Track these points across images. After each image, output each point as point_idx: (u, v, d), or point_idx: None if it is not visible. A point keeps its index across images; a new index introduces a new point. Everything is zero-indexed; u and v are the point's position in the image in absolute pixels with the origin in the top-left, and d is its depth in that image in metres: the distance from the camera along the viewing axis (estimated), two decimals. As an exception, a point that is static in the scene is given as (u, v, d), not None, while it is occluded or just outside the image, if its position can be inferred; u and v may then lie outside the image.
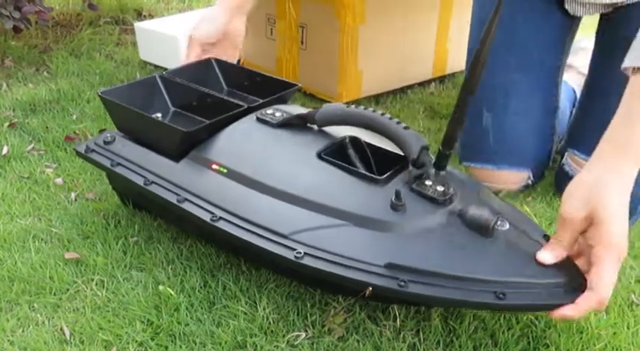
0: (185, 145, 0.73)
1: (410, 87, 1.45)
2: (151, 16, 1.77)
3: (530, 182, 0.97)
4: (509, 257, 0.60)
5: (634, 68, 0.63)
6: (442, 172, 0.65)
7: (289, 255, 0.61)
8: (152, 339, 0.64)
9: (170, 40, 1.35)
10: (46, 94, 1.22)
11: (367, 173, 0.67)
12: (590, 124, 0.94)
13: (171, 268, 0.74)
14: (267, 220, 0.64)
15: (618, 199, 0.57)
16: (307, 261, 0.60)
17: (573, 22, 0.99)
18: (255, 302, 0.68)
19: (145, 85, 0.85)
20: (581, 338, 0.66)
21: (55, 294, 0.70)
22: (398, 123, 0.67)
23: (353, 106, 0.71)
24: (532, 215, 0.89)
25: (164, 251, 0.77)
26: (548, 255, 0.59)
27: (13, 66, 1.39)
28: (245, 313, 0.67)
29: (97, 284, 0.71)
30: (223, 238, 0.67)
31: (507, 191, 0.97)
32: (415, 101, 1.37)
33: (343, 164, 0.68)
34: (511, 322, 0.67)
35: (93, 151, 0.78)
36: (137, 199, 0.84)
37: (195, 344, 0.63)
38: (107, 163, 0.76)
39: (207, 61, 0.91)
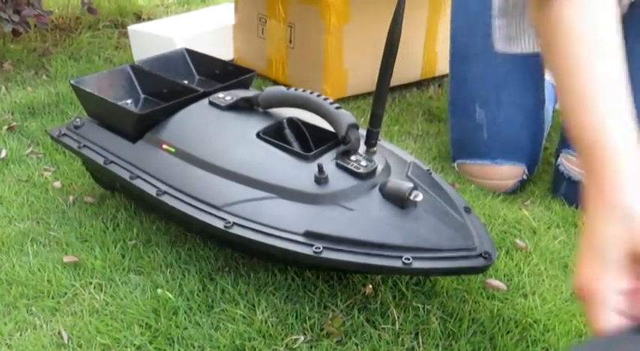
0: (141, 127, 0.79)
1: (409, 90, 1.45)
2: (150, 19, 1.77)
3: (525, 177, 0.97)
4: (419, 226, 0.64)
5: None
6: (372, 149, 0.71)
7: (220, 224, 0.65)
8: (150, 343, 0.63)
9: (165, 42, 1.35)
10: (45, 98, 1.22)
11: (297, 150, 0.72)
12: None
13: (170, 272, 0.74)
14: (204, 193, 0.69)
15: None
16: (235, 230, 0.65)
17: None
18: (254, 305, 0.68)
19: (117, 74, 0.92)
20: (580, 342, 0.66)
21: (53, 297, 0.70)
22: (331, 103, 0.72)
23: (292, 88, 0.76)
24: (531, 219, 0.89)
25: (162, 255, 0.77)
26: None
27: (12, 69, 1.39)
28: (243, 317, 0.67)
29: (95, 288, 0.71)
30: (167, 211, 0.72)
31: (505, 188, 0.98)
32: (414, 104, 1.37)
33: (277, 142, 0.73)
34: (510, 326, 0.67)
35: (64, 134, 0.85)
36: (104, 179, 0.89)
37: (194, 348, 0.63)
38: (75, 145, 0.82)
39: (179, 51, 0.98)
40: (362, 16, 1.28)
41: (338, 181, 0.67)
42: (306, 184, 0.67)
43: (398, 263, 0.61)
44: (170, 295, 0.69)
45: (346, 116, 0.71)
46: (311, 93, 0.74)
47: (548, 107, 1.10)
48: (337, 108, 0.72)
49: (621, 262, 0.39)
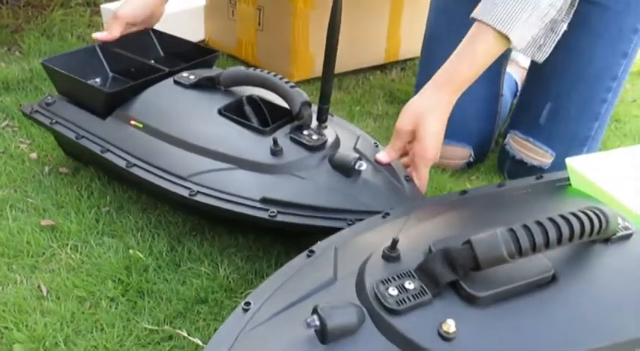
0: (110, 105, 0.85)
1: (372, 73, 1.52)
2: (123, -1, 1.80)
3: (471, 159, 1.06)
4: (361, 192, 0.73)
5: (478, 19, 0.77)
6: (323, 124, 0.80)
7: (185, 193, 0.73)
8: (123, 295, 0.70)
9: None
10: (19, 74, 1.26)
11: (255, 126, 0.80)
12: (528, 107, 1.04)
13: (141, 235, 0.81)
14: (170, 165, 0.76)
15: (436, 122, 0.77)
16: (199, 197, 0.72)
17: None
18: (217, 264, 0.76)
19: (86, 54, 0.97)
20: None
21: (32, 257, 0.76)
22: (286, 82, 0.81)
23: (251, 68, 0.85)
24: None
25: (134, 220, 0.84)
26: (383, 155, 0.78)
27: (-16, 45, 1.41)
28: (207, 274, 0.74)
29: (71, 248, 0.78)
30: (137, 182, 0.78)
31: (454, 167, 1.06)
32: (376, 86, 1.45)
33: (237, 118, 0.80)
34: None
35: (37, 111, 0.90)
36: (75, 153, 0.95)
37: (162, 300, 0.70)
38: (47, 122, 0.88)
39: (146, 31, 1.03)
40: (328, 2, 1.34)
41: (291, 153, 0.75)
42: (262, 156, 0.74)
43: (343, 224, 0.69)
44: (141, 255, 0.76)
45: (300, 94, 0.79)
46: (268, 73, 0.82)
47: (508, 100, 1.18)
48: (292, 87, 0.80)
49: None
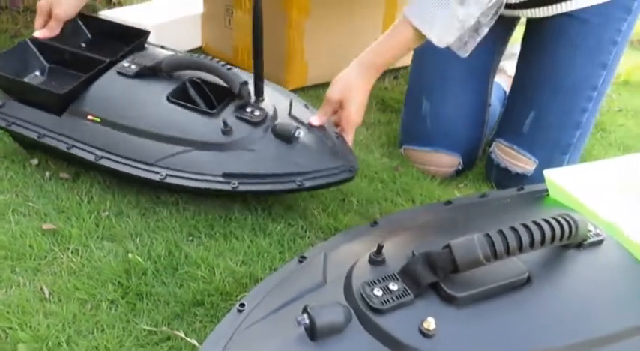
0: (62, 104, 0.91)
1: (365, 81, 1.55)
2: (121, 5, 1.83)
3: (460, 167, 1.09)
4: (303, 156, 0.85)
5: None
6: (260, 99, 0.91)
7: (156, 177, 0.83)
8: (122, 297, 0.73)
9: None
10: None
11: (204, 109, 0.90)
12: (512, 116, 1.08)
13: (140, 240, 0.84)
14: (136, 154, 0.85)
15: (360, 95, 0.89)
16: (169, 180, 0.82)
17: (508, 24, 1.11)
18: (213, 268, 0.79)
19: (20, 50, 1.00)
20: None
21: (34, 259, 0.79)
22: (223, 65, 0.91)
23: (189, 54, 0.97)
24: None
25: (133, 225, 0.86)
26: (315, 119, 0.90)
27: (-14, 50, 1.44)
28: (204, 277, 0.77)
29: (72, 252, 0.81)
30: (107, 171, 0.87)
31: (443, 175, 1.10)
32: (370, 95, 1.48)
33: (186, 104, 0.89)
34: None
35: None
36: (36, 146, 1.00)
37: (160, 302, 0.73)
38: (3, 124, 0.92)
39: (73, 19, 1.06)
40: (322, 11, 1.38)
41: (239, 130, 0.86)
42: (215, 137, 0.85)
43: (293, 185, 0.82)
44: (140, 259, 0.79)
45: (237, 75, 0.90)
46: (205, 57, 0.93)
47: (496, 109, 1.22)
48: (229, 68, 0.91)
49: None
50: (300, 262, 0.64)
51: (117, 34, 1.05)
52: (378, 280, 0.55)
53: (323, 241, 0.71)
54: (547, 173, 0.75)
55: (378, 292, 0.54)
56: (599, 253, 0.62)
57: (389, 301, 0.53)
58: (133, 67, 0.95)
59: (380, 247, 0.59)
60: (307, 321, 0.51)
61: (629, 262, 0.62)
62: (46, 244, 0.81)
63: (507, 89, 1.28)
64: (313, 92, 1.43)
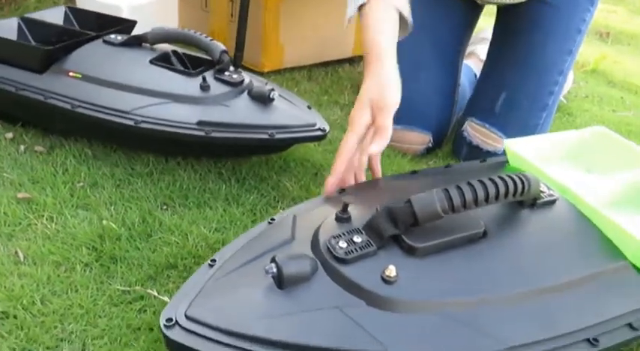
0: (46, 61, 0.96)
1: (341, 65, 1.58)
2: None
3: (430, 145, 1.13)
4: (277, 113, 0.91)
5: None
6: (238, 69, 0.97)
7: (131, 122, 0.87)
8: (96, 261, 0.75)
9: (112, 10, 1.43)
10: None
11: (184, 69, 0.96)
12: (485, 96, 1.12)
13: (114, 208, 0.85)
14: (113, 103, 0.89)
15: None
16: (143, 125, 0.86)
17: (476, 11, 1.15)
18: (187, 234, 0.81)
19: (7, 26, 1.06)
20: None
21: (9, 226, 0.80)
22: (206, 37, 0.98)
23: (173, 27, 1.05)
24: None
25: (107, 195, 0.88)
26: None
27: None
28: (177, 243, 0.79)
29: (47, 219, 0.82)
30: (83, 122, 0.91)
31: (413, 152, 1.13)
32: (344, 78, 1.51)
33: (167, 65, 0.96)
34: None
35: None
36: (13, 112, 1.03)
37: (134, 265, 0.75)
38: None
39: (60, 8, 1.14)
40: (298, -5, 1.40)
41: (217, 88, 0.91)
42: (194, 91, 0.90)
43: (265, 136, 0.87)
44: (114, 226, 0.80)
45: (218, 45, 0.97)
46: (189, 30, 1.00)
47: (466, 90, 1.25)
48: (211, 40, 0.98)
49: (368, 105, 0.76)
50: (270, 223, 0.66)
51: (105, 26, 1.08)
52: (343, 233, 0.58)
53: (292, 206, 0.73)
54: (507, 143, 0.80)
55: (342, 244, 0.57)
56: (552, 211, 0.66)
57: (353, 252, 0.56)
58: (120, 38, 1.01)
59: (345, 205, 0.62)
60: (275, 270, 0.54)
61: (580, 220, 0.66)
62: (20, 211, 0.82)
63: (478, 72, 1.32)
64: (289, 75, 1.45)
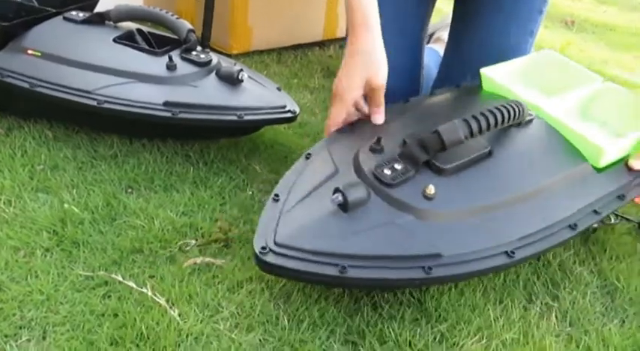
0: (2, 39, 0.92)
1: (311, 49, 1.56)
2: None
3: None
4: (246, 94, 0.90)
5: None
6: (206, 49, 0.95)
7: (93, 102, 0.84)
8: (57, 245, 0.72)
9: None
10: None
11: (149, 48, 0.93)
12: (450, 78, 1.12)
13: (76, 192, 0.82)
14: (74, 82, 0.86)
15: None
16: (107, 105, 0.84)
17: None
18: (153, 218, 0.78)
19: None
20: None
21: (-37, 210, 0.76)
22: (172, 15, 0.96)
23: (138, 5, 1.00)
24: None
25: (69, 178, 0.85)
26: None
27: None
28: (143, 226, 0.77)
29: (4, 203, 0.78)
30: (42, 101, 0.87)
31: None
32: (314, 62, 1.49)
33: (132, 43, 0.93)
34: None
35: None
36: None
37: (98, 250, 0.72)
38: None
39: None
40: (267, -23, 1.37)
41: (184, 68, 0.89)
42: (159, 71, 0.88)
43: (233, 117, 0.86)
44: (76, 209, 0.77)
45: (184, 24, 0.94)
46: (154, 8, 0.97)
47: (432, 71, 1.25)
48: (177, 18, 0.95)
49: (360, 85, 0.75)
50: (307, 158, 0.74)
51: (66, 2, 1.04)
52: (385, 163, 0.68)
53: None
54: (483, 71, 0.90)
55: (387, 171, 0.67)
56: (532, 128, 0.79)
57: (397, 178, 0.66)
58: (81, 14, 0.97)
59: (379, 139, 0.71)
60: (341, 198, 0.63)
61: (551, 133, 0.80)
62: (-25, 195, 0.79)
63: (444, 55, 1.32)
64: (258, 58, 1.43)
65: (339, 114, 0.78)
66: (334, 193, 0.63)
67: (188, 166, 0.90)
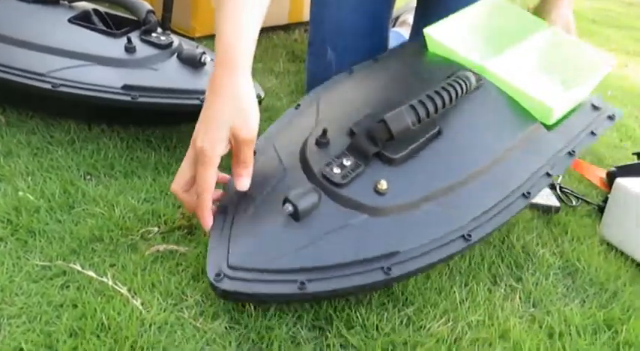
0: None
1: (275, 33, 1.54)
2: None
3: None
4: (207, 77, 0.86)
5: None
6: (167, 31, 0.93)
7: (48, 86, 0.80)
8: (12, 235, 0.69)
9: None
10: None
11: (107, 29, 0.90)
12: None
13: (31, 179, 0.79)
14: (27, 65, 0.82)
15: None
16: (63, 89, 0.80)
17: None
18: (113, 205, 0.76)
19: None
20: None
21: None
22: None
23: None
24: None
25: (24, 164, 0.81)
26: None
27: None
28: (103, 214, 0.74)
29: (-47, 191, 0.74)
30: None
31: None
32: (279, 46, 1.47)
33: (88, 24, 0.90)
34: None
35: None
36: None
37: (55, 239, 0.69)
38: None
39: None
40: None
41: (143, 50, 0.86)
42: (118, 53, 0.85)
43: (196, 102, 0.83)
44: (31, 197, 0.74)
45: (143, 4, 0.92)
46: None
47: None
48: None
49: (226, 137, 0.62)
50: (255, 153, 0.69)
51: None
52: (333, 160, 0.66)
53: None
54: (426, 31, 0.87)
55: (336, 170, 0.65)
56: (481, 94, 0.77)
57: (347, 175, 0.64)
58: None
59: (325, 131, 0.68)
60: (291, 209, 0.61)
61: (500, 96, 0.78)
62: None
63: (410, 39, 1.32)
64: (222, 41, 1.40)
65: (209, 176, 0.62)
66: (284, 203, 0.61)
67: (150, 152, 0.88)
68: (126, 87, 0.82)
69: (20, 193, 0.75)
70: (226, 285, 0.57)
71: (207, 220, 0.64)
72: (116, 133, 0.91)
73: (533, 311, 0.72)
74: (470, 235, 0.63)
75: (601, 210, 0.95)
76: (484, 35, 0.91)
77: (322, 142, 0.68)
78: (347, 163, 0.65)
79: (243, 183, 0.65)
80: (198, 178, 0.63)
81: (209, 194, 0.63)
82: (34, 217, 0.72)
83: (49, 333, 0.58)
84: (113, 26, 0.94)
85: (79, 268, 0.65)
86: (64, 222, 0.72)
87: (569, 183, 1.06)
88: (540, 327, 0.70)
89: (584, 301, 0.76)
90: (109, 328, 0.59)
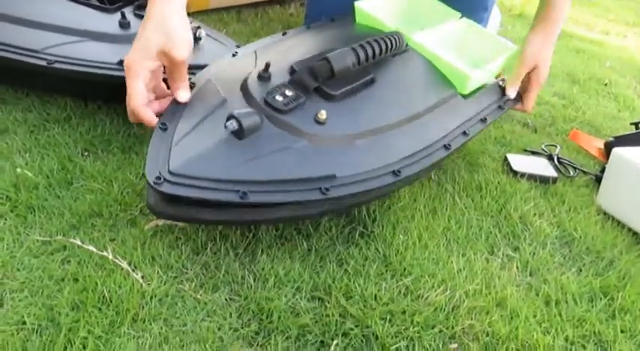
0: None
1: (271, 7, 1.52)
2: None
3: None
4: (205, 53, 0.88)
5: None
6: None
7: (42, 63, 0.79)
8: (11, 211, 0.69)
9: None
10: None
11: (101, 5, 0.91)
12: None
13: (29, 156, 0.79)
14: (22, 42, 0.81)
15: (549, 60, 0.92)
16: (58, 65, 0.80)
17: None
18: (111, 181, 0.76)
19: None
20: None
21: None
22: None
23: None
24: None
25: (21, 142, 0.81)
26: (512, 90, 0.92)
27: None
28: (101, 190, 0.74)
29: (-49, 169, 0.74)
30: None
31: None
32: (275, 20, 1.46)
33: (82, 0, 0.90)
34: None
35: None
36: None
37: (54, 214, 0.70)
38: None
39: None
40: None
41: (138, 25, 0.81)
42: (112, 28, 0.86)
43: (190, 76, 0.79)
44: (30, 174, 0.74)
45: None
46: None
47: None
48: None
49: (154, 55, 0.65)
50: (192, 87, 0.71)
51: None
52: (276, 89, 0.70)
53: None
54: (357, 4, 0.94)
55: (279, 97, 0.68)
56: (406, 57, 0.85)
57: (289, 104, 0.68)
58: None
59: (267, 65, 0.72)
60: (236, 125, 0.62)
61: (423, 62, 0.86)
62: None
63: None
64: (217, 17, 1.38)
65: (135, 89, 0.65)
66: (228, 119, 0.63)
67: (146, 127, 0.87)
68: (121, 63, 0.80)
69: (18, 170, 0.75)
70: (166, 188, 0.57)
71: (149, 116, 0.66)
72: (112, 109, 0.91)
73: (530, 280, 0.73)
74: (399, 171, 0.68)
75: (598, 180, 0.95)
76: (406, 16, 1.01)
77: (264, 76, 0.72)
78: (289, 93, 0.69)
79: (183, 94, 0.69)
80: (128, 89, 0.66)
81: (139, 101, 0.66)
82: (33, 194, 0.72)
83: (51, 306, 0.59)
84: (107, 2, 0.93)
85: (79, 243, 0.66)
86: (63, 198, 0.73)
87: (567, 153, 1.06)
88: (537, 295, 0.71)
89: (581, 270, 0.77)
90: (111, 301, 0.60)
